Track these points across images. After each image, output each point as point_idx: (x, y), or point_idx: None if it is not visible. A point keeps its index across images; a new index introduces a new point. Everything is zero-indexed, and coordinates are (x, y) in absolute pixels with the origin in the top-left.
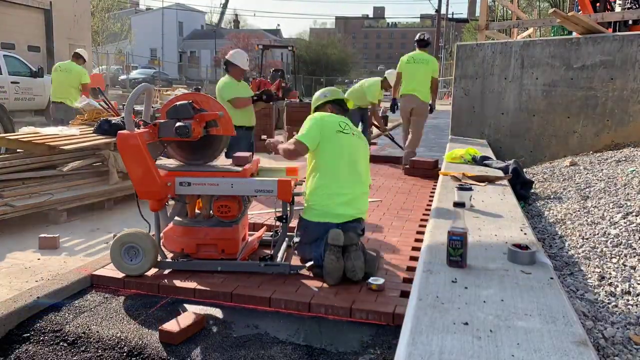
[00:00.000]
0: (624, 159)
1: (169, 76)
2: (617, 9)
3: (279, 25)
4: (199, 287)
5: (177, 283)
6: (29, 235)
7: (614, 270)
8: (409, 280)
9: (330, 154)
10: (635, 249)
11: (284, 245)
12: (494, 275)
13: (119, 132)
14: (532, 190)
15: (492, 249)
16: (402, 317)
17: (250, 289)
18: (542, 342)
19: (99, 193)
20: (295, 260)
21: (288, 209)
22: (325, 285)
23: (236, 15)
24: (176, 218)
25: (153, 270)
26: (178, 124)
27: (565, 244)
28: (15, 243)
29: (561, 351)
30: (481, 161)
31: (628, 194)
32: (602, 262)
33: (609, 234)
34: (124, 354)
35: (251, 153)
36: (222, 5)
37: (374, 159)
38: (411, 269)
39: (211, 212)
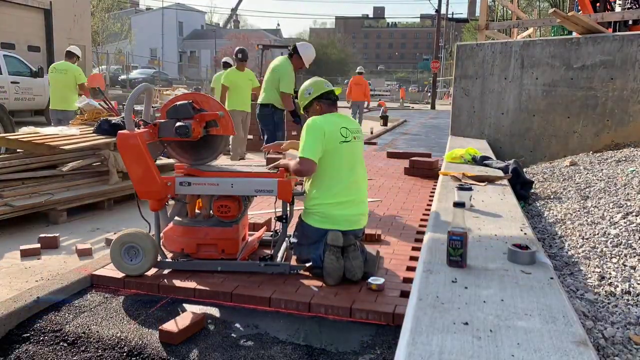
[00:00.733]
0: (624, 159)
1: (169, 76)
2: (617, 9)
3: (279, 25)
4: (199, 287)
5: (177, 283)
6: (29, 235)
7: (614, 270)
8: (409, 280)
9: (331, 165)
10: (635, 249)
11: (284, 245)
12: (494, 275)
13: (119, 132)
14: (532, 190)
15: (492, 249)
16: (402, 317)
17: (250, 289)
18: (542, 342)
19: (99, 193)
20: (295, 260)
21: (288, 209)
22: (325, 285)
23: (236, 15)
24: (176, 218)
25: (153, 270)
26: (178, 123)
27: (565, 244)
28: (16, 243)
29: (561, 351)
30: (481, 161)
31: (628, 194)
32: (602, 262)
33: (609, 234)
34: (124, 354)
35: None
36: (232, 9)
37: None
38: (411, 269)
39: (211, 212)
